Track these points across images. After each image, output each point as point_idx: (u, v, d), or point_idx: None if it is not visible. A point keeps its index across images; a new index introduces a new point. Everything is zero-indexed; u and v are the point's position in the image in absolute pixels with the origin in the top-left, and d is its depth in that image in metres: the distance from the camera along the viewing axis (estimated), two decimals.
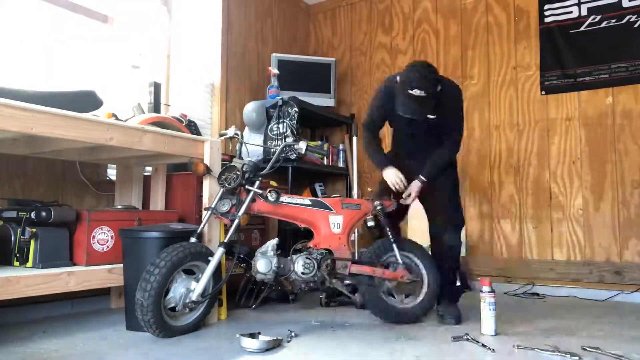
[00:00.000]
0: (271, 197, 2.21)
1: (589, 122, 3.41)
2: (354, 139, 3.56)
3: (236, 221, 2.17)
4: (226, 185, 2.20)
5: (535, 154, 3.58)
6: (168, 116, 2.81)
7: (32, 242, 2.11)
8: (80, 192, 2.75)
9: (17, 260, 2.15)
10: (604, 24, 3.39)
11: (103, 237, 2.27)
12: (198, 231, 2.22)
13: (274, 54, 3.94)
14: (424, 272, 2.51)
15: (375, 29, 4.38)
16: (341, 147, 4.30)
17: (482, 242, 3.71)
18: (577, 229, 3.39)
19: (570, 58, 3.49)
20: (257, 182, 2.22)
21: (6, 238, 2.20)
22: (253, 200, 2.22)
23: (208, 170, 2.37)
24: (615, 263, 3.23)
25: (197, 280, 2.13)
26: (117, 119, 2.38)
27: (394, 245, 2.46)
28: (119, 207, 2.59)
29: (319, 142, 4.18)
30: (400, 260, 2.46)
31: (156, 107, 2.89)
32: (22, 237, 2.15)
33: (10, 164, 2.47)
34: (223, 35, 3.73)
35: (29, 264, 2.10)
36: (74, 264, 2.21)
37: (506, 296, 3.31)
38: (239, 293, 2.78)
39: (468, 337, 2.09)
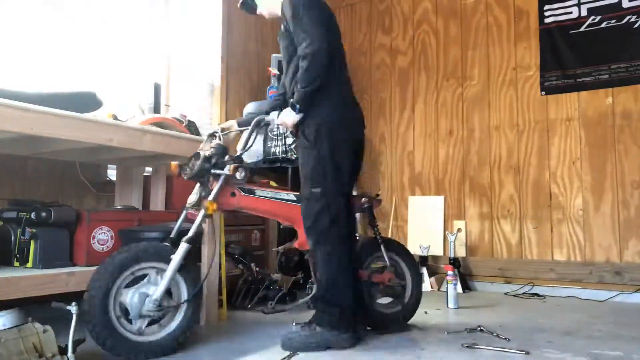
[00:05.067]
0: (239, 175, 1.97)
1: (589, 122, 3.41)
2: None
3: (201, 211, 1.94)
4: (188, 173, 1.97)
5: (535, 154, 3.58)
6: (168, 117, 2.80)
7: (32, 243, 2.10)
8: (80, 192, 2.75)
9: (17, 261, 2.15)
10: (604, 25, 3.39)
11: (103, 238, 2.27)
12: (172, 235, 1.98)
13: (274, 55, 3.94)
14: (408, 274, 2.40)
15: (375, 29, 4.38)
16: None
17: (482, 242, 3.71)
18: (577, 230, 3.39)
19: (570, 58, 3.49)
20: (228, 167, 1.98)
21: (6, 238, 2.20)
22: (233, 194, 2.03)
23: (183, 170, 2.12)
24: (615, 263, 3.23)
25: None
26: (117, 119, 2.38)
27: (382, 246, 2.32)
28: (119, 207, 2.59)
29: None
30: (388, 263, 2.32)
31: (156, 108, 2.89)
32: (22, 237, 2.15)
33: (10, 164, 2.47)
34: (223, 35, 3.74)
35: (29, 264, 2.10)
36: (74, 265, 2.21)
37: (506, 296, 3.31)
38: (235, 293, 2.78)
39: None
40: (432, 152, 3.99)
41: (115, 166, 2.82)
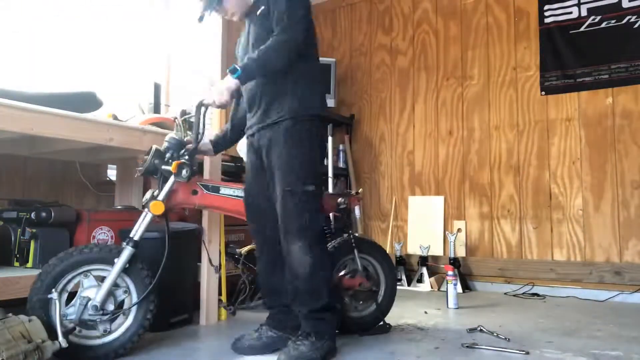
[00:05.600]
0: (185, 173, 1.85)
1: (588, 122, 3.41)
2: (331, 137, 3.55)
3: (144, 211, 1.84)
4: (139, 170, 1.87)
5: (535, 154, 3.58)
6: (168, 116, 2.80)
7: (32, 243, 2.11)
8: (80, 192, 2.75)
9: (17, 261, 2.15)
10: (603, 25, 3.39)
11: (103, 237, 2.27)
12: (132, 235, 1.85)
13: None
14: (382, 276, 2.32)
15: (375, 29, 4.38)
16: (341, 147, 4.30)
17: (482, 242, 3.71)
18: (577, 230, 3.39)
19: (570, 58, 3.49)
20: (184, 162, 1.86)
21: (6, 238, 2.20)
22: (195, 192, 1.93)
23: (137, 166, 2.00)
24: (615, 263, 3.23)
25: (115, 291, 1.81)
26: (117, 119, 2.38)
27: (355, 250, 2.21)
28: (119, 207, 2.59)
29: None
30: (359, 267, 2.21)
31: (156, 108, 2.89)
32: (22, 237, 2.15)
33: (11, 164, 2.47)
34: (223, 35, 3.74)
35: (29, 264, 2.10)
36: None
37: (506, 296, 3.31)
38: (235, 293, 2.78)
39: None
40: (432, 152, 3.99)
41: (115, 166, 2.82)
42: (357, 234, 2.30)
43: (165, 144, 1.89)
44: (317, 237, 1.87)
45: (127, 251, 1.81)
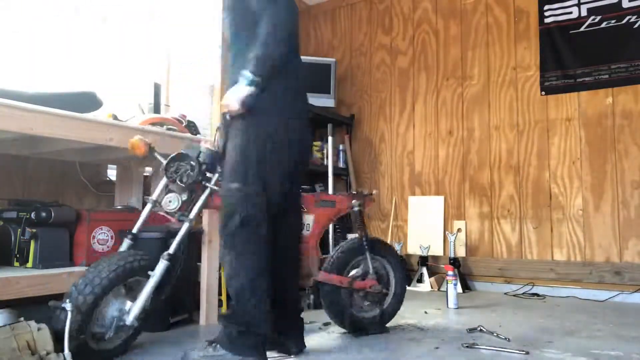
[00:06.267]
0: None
1: (588, 122, 3.41)
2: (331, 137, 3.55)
3: (186, 224, 1.80)
4: (178, 181, 1.80)
5: (535, 154, 3.58)
6: (168, 117, 2.80)
7: (32, 243, 2.10)
8: (80, 192, 2.75)
9: (17, 261, 2.15)
10: (603, 25, 3.39)
11: (103, 237, 2.27)
12: (134, 231, 1.84)
13: None
14: (392, 278, 2.33)
15: (375, 29, 4.38)
16: (341, 147, 4.30)
17: (482, 242, 3.71)
18: (577, 229, 3.39)
19: (570, 58, 3.49)
20: (216, 175, 1.85)
21: (6, 238, 2.19)
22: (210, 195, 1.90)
23: (151, 151, 1.88)
24: (615, 263, 3.23)
25: (133, 300, 1.75)
26: (117, 119, 2.38)
27: (367, 252, 2.21)
28: (119, 207, 2.59)
29: (319, 143, 4.17)
30: (371, 269, 2.21)
31: (156, 108, 2.89)
32: (22, 237, 2.14)
33: (10, 164, 2.46)
34: (223, 35, 3.74)
35: (29, 264, 2.10)
36: (74, 264, 2.21)
37: (506, 296, 3.31)
38: None
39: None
40: (432, 152, 3.99)
41: (115, 166, 2.82)
42: (370, 236, 2.28)
43: (202, 156, 1.84)
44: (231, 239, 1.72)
45: (163, 265, 1.76)
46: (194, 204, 1.84)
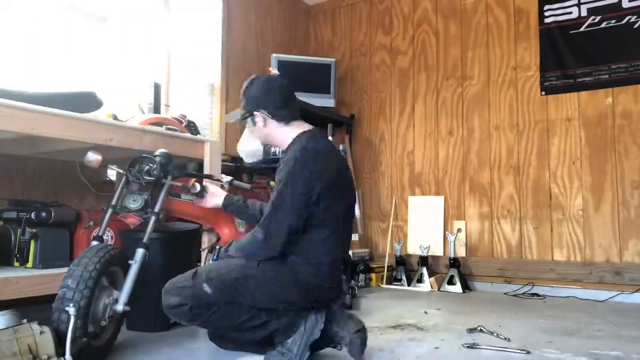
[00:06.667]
0: (193, 189, 1.97)
1: (588, 122, 3.41)
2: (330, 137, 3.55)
3: (153, 217, 1.88)
4: (141, 180, 1.89)
5: (535, 154, 3.58)
6: (168, 117, 2.80)
7: (32, 243, 2.10)
8: (80, 192, 2.75)
9: (17, 261, 2.15)
10: (603, 25, 3.39)
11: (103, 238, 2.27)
12: (100, 233, 1.89)
13: (274, 55, 3.94)
14: None
15: (375, 29, 4.38)
16: (341, 147, 4.30)
17: (482, 242, 3.71)
18: (577, 230, 3.39)
19: (570, 58, 3.49)
20: (170, 175, 1.95)
21: (6, 238, 2.20)
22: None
23: (106, 164, 2.01)
24: (615, 263, 3.23)
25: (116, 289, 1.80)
26: (117, 119, 2.38)
27: None
28: None
29: None
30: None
31: (156, 108, 2.89)
32: (22, 237, 2.15)
33: (10, 164, 2.46)
34: (223, 35, 3.74)
35: (29, 264, 2.10)
36: None
37: (506, 296, 3.31)
38: None
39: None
40: (432, 152, 3.99)
41: (115, 166, 2.82)
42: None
43: (160, 158, 1.94)
44: None
45: (141, 252, 1.81)
46: (157, 200, 1.91)
